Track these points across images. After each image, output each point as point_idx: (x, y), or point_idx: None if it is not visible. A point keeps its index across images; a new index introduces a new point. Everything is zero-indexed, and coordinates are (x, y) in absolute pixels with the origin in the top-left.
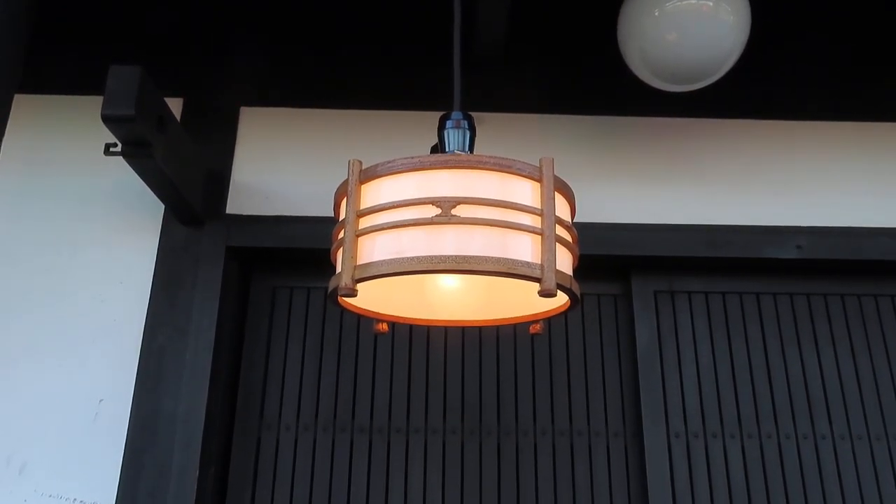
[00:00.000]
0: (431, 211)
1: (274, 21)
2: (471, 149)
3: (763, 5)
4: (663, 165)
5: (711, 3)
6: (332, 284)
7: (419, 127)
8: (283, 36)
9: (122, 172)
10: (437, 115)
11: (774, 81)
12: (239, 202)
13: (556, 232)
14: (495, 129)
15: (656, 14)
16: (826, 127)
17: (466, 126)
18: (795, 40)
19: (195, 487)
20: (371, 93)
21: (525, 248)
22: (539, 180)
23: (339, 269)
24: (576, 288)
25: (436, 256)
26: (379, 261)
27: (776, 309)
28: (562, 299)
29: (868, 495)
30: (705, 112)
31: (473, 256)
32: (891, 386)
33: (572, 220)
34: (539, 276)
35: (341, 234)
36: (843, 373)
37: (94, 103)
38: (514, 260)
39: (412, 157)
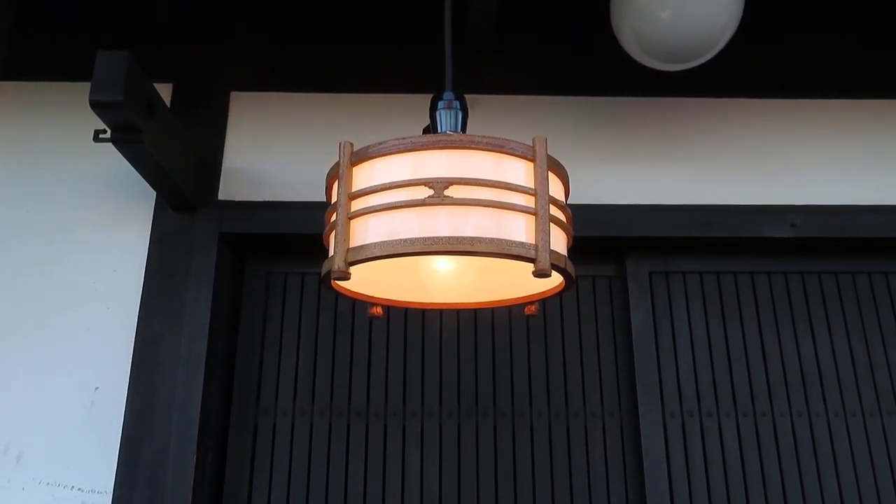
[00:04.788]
0: (424, 192)
1: (263, 5)
2: (463, 129)
3: None
4: (657, 146)
5: None
6: (324, 268)
7: (412, 110)
8: (271, 20)
9: (113, 159)
10: (430, 97)
11: (768, 60)
12: (231, 188)
13: (550, 212)
14: (488, 112)
15: None
16: (819, 105)
17: (458, 107)
18: (789, 19)
19: (192, 474)
20: (363, 76)
21: (519, 229)
22: (532, 160)
23: (331, 253)
24: (570, 268)
25: (429, 238)
26: (372, 243)
27: (770, 288)
28: (556, 280)
29: (862, 471)
30: (699, 92)
31: (467, 237)
32: (884, 363)
33: (566, 199)
34: (533, 257)
35: (333, 217)
36: (837, 350)
37: (83, 89)
38: (508, 240)
39: (404, 139)
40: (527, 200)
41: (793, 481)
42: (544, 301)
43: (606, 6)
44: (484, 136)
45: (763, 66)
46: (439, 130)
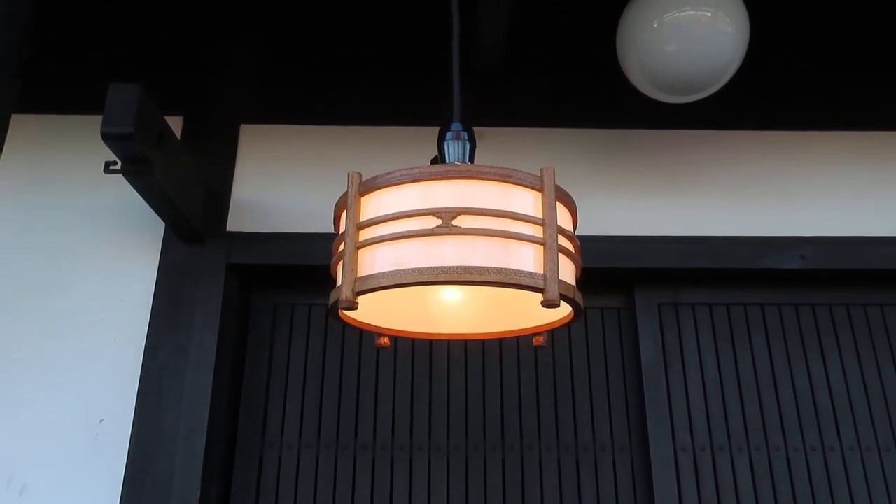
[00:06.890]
0: (432, 222)
1: (273, 38)
2: (471, 160)
3: (762, 15)
4: (665, 177)
5: (710, 14)
6: (332, 298)
7: (419, 142)
8: (282, 53)
9: (122, 191)
10: (438, 129)
11: (774, 92)
12: (239, 219)
13: (559, 242)
14: (495, 144)
15: (655, 25)
16: (828, 136)
17: (466, 137)
18: (794, 50)
19: None
20: (371, 108)
21: (527, 259)
22: (540, 190)
23: (339, 283)
24: (579, 298)
25: (437, 268)
26: (379, 273)
27: (781, 320)
28: (565, 310)
29: None
30: (706, 123)
31: (475, 267)
32: None
33: (574, 229)
34: (542, 287)
35: (341, 247)
36: (851, 383)
37: (94, 122)
38: (516, 270)
39: (412, 168)
40: (535, 230)
41: None
42: (553, 332)
43: (613, 39)
44: (492, 166)
45: (771, 97)
46: (447, 161)
